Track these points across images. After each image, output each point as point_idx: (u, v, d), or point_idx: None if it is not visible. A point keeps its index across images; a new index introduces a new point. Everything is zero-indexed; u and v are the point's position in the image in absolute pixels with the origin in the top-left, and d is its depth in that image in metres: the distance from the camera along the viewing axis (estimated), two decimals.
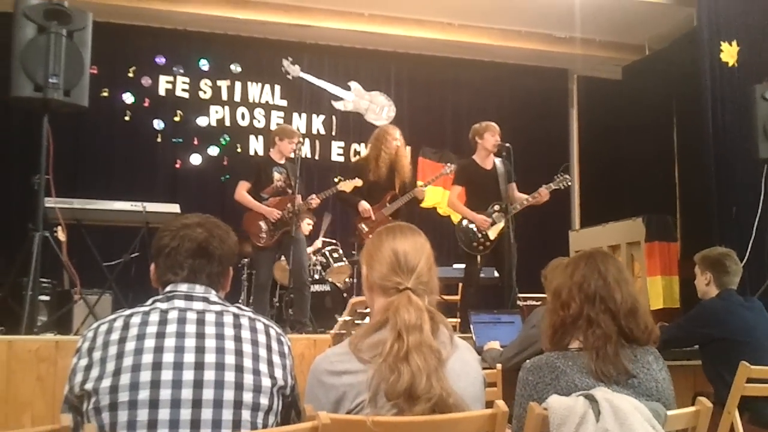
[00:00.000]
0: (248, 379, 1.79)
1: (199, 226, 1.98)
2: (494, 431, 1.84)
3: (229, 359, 1.79)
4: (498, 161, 5.84)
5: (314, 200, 5.98)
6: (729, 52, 6.97)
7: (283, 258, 6.25)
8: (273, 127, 8.68)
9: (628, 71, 9.07)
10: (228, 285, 2.05)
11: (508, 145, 5.74)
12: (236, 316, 1.90)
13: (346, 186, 5.98)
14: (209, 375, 1.75)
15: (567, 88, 9.97)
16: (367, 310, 2.21)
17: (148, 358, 1.73)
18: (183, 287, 1.92)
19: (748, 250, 6.04)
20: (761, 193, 6.11)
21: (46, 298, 5.35)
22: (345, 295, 6.95)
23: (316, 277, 7.00)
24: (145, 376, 1.71)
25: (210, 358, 1.77)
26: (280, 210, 5.86)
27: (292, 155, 5.97)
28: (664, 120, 8.02)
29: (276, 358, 1.89)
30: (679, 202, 7.64)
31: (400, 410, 1.75)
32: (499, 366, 3.35)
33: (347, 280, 7.32)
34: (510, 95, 9.30)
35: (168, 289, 1.93)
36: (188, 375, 1.73)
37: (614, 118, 9.01)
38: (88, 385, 1.72)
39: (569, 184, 6.02)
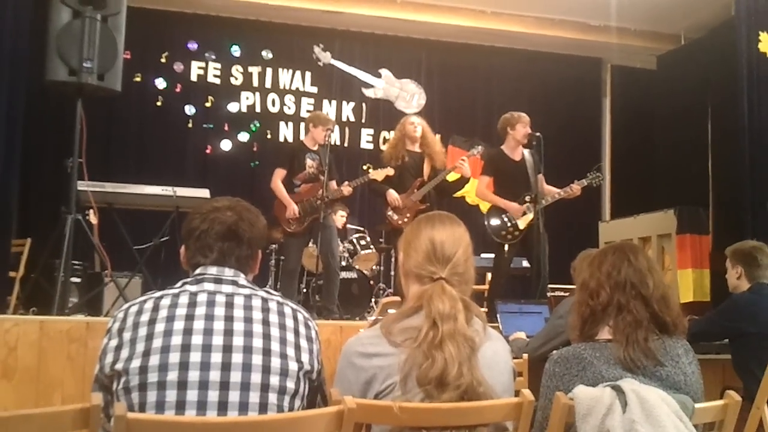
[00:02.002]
0: (275, 362, 1.81)
1: (229, 209, 1.99)
2: (520, 420, 1.84)
3: (257, 343, 1.81)
4: (527, 152, 5.79)
5: (346, 188, 5.98)
6: (767, 42, 6.85)
7: (311, 244, 6.26)
8: (303, 113, 8.72)
9: (663, 61, 8.94)
10: (257, 268, 2.07)
11: (538, 134, 5.68)
12: (265, 300, 1.91)
13: (378, 175, 5.97)
14: (237, 358, 1.77)
15: (600, 77, 9.85)
16: None
17: (177, 339, 1.76)
18: (212, 270, 1.94)
19: None
20: None
21: (78, 280, 5.44)
22: (372, 282, 6.98)
23: (343, 264, 7.03)
24: (174, 357, 1.73)
25: (238, 341, 1.79)
26: (311, 196, 5.86)
27: (323, 142, 5.97)
28: (699, 111, 7.90)
29: (303, 343, 1.90)
30: (712, 195, 7.53)
31: (428, 396, 1.76)
32: (525, 356, 3.34)
33: (374, 267, 7.34)
34: (542, 84, 9.20)
35: (198, 271, 1.95)
36: (216, 357, 1.75)
37: (648, 109, 8.90)
38: (119, 366, 1.75)
39: (601, 182, 5.96)
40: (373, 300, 6.79)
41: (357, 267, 6.99)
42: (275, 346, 1.83)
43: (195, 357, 1.75)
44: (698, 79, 7.96)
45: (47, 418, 1.55)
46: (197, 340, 1.77)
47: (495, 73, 9.31)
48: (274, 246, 7.17)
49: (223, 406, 1.72)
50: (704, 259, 6.77)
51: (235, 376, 1.75)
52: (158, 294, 1.87)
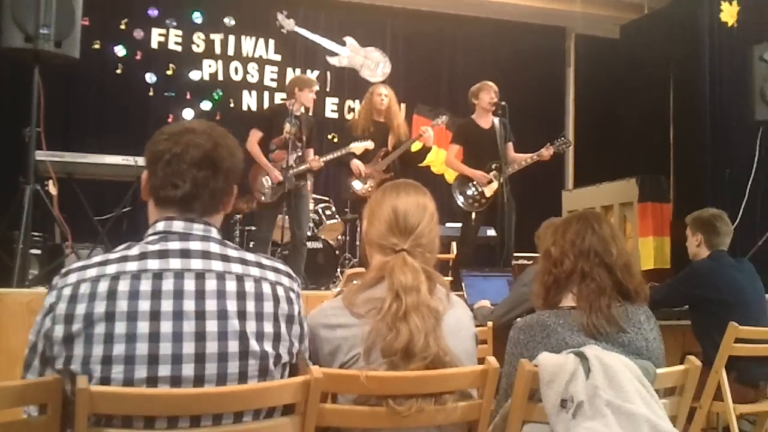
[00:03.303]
0: (253, 366, 1.62)
1: (204, 133, 1.70)
2: (485, 387, 1.86)
3: (233, 346, 1.59)
4: (497, 121, 5.82)
5: (316, 162, 5.87)
6: (729, 12, 6.91)
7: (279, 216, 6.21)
8: (267, 82, 8.66)
9: (626, 30, 8.97)
10: (230, 206, 1.79)
11: (503, 103, 5.71)
12: (240, 279, 1.65)
13: (358, 149, 5.91)
14: (211, 368, 1.57)
15: (564, 46, 9.88)
16: None
17: (142, 347, 1.52)
18: (179, 225, 1.67)
19: (740, 212, 6.06)
20: (755, 156, 6.11)
21: (38, 251, 5.35)
22: (337, 252, 6.97)
23: (309, 234, 7.00)
24: (141, 370, 1.52)
25: (212, 347, 1.57)
26: (284, 162, 5.77)
27: (311, 105, 5.88)
28: (661, 80, 7.97)
29: (283, 328, 1.69)
30: (673, 163, 7.63)
31: (394, 366, 1.78)
32: (490, 323, 3.37)
33: (340, 237, 7.33)
34: (508, 53, 9.18)
35: (161, 227, 1.67)
36: (188, 370, 1.55)
37: (611, 78, 8.94)
38: (74, 366, 1.52)
39: (568, 148, 6.02)
40: (338, 270, 6.79)
41: (322, 237, 6.97)
42: (254, 345, 1.62)
43: (164, 370, 1.53)
44: (661, 48, 8.01)
45: (7, 391, 1.52)
46: (166, 349, 1.54)
47: (460, 42, 9.28)
48: (238, 216, 7.12)
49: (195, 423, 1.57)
50: (665, 227, 6.87)
51: (209, 387, 1.57)
52: (113, 271, 1.57)
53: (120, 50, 8.18)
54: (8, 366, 3.57)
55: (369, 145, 5.90)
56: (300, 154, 5.84)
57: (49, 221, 5.35)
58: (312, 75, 8.80)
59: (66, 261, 5.30)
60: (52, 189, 5.17)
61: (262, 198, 5.81)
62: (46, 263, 5.38)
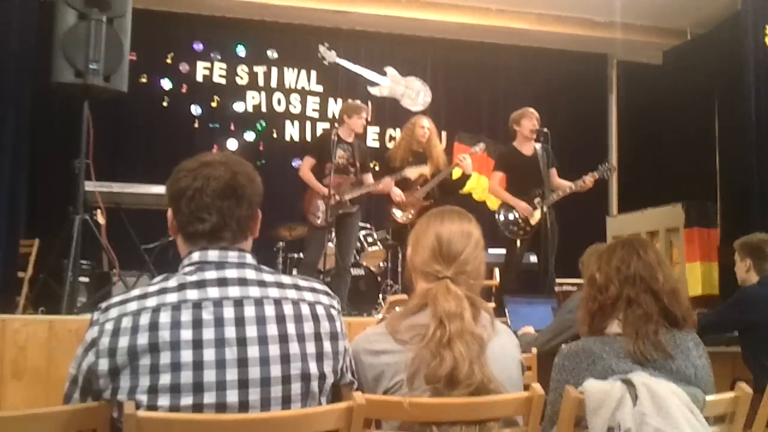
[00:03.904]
0: (296, 389, 1.63)
1: (221, 164, 1.73)
2: (530, 414, 1.84)
3: (275, 371, 1.61)
4: (539, 147, 5.81)
5: (387, 183, 5.91)
6: None
7: (330, 245, 6.24)
8: (309, 112, 8.75)
9: (670, 56, 8.90)
10: (257, 230, 1.81)
11: (545, 130, 5.71)
12: (278, 303, 1.67)
13: (412, 173, 5.93)
14: (254, 393, 1.58)
15: (606, 73, 9.83)
16: None
17: (187, 376, 1.54)
18: (213, 255, 1.69)
19: None
20: None
21: (86, 279, 5.45)
22: (379, 279, 6.98)
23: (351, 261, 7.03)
24: (186, 398, 1.54)
25: (254, 372, 1.58)
26: (341, 189, 5.81)
27: (361, 131, 5.96)
28: (706, 105, 7.88)
29: (327, 347, 1.70)
30: (720, 188, 7.51)
31: (437, 393, 1.77)
32: (534, 350, 3.34)
33: (381, 264, 7.34)
34: (548, 81, 9.18)
35: (196, 258, 1.69)
36: (232, 396, 1.56)
37: (654, 104, 8.87)
38: (120, 396, 1.55)
39: (612, 173, 5.99)
40: (380, 297, 6.79)
41: (364, 264, 6.99)
42: (295, 369, 1.63)
43: (209, 398, 1.55)
44: (705, 73, 7.93)
45: (57, 417, 1.55)
46: (210, 376, 1.55)
47: (500, 70, 9.29)
48: (281, 244, 7.18)
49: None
50: (713, 253, 6.76)
51: (254, 411, 1.58)
52: (153, 303, 1.60)
53: (166, 83, 8.37)
54: (57, 392, 3.62)
55: (424, 169, 5.93)
56: (353, 179, 5.87)
57: (97, 250, 5.44)
58: (368, 108, 8.88)
59: (113, 288, 5.40)
60: (101, 218, 5.27)
61: (318, 221, 5.82)
62: (94, 291, 5.48)
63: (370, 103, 8.97)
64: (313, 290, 1.76)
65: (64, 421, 1.56)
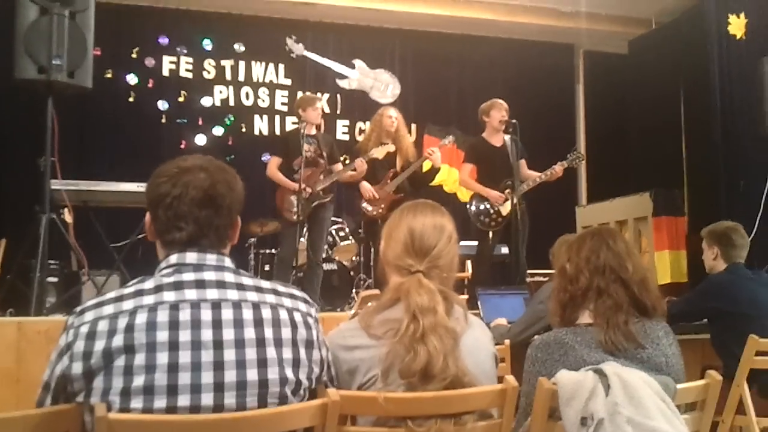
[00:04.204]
0: (272, 394, 1.62)
1: (201, 170, 1.71)
2: (504, 406, 1.84)
3: (251, 375, 1.59)
4: (508, 138, 5.83)
5: (360, 164, 5.88)
6: (737, 25, 6.91)
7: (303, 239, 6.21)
8: (278, 106, 8.69)
9: (635, 45, 8.98)
10: (236, 237, 1.80)
11: (514, 121, 5.74)
12: (256, 307, 1.66)
13: (379, 152, 5.89)
14: (230, 397, 1.56)
15: (573, 63, 9.88)
16: None
17: (161, 378, 1.52)
18: (192, 257, 1.67)
19: (756, 223, 6.03)
20: None
21: (54, 279, 5.37)
22: (352, 273, 6.97)
23: (323, 255, 7.01)
24: (160, 401, 1.52)
25: (230, 376, 1.57)
26: (312, 182, 5.80)
27: (320, 121, 5.93)
28: (672, 94, 7.97)
29: (303, 354, 1.69)
30: (687, 177, 7.60)
31: (412, 388, 1.77)
32: (507, 342, 3.36)
33: (354, 258, 7.33)
34: (515, 71, 9.21)
35: (174, 260, 1.68)
36: (207, 399, 1.55)
37: (621, 93, 8.95)
38: (93, 399, 1.53)
39: (581, 161, 6.03)
40: (353, 291, 6.79)
41: (336, 258, 6.98)
42: (272, 374, 1.62)
43: (183, 400, 1.53)
44: (670, 62, 8.02)
45: (27, 420, 1.53)
46: (185, 379, 1.54)
47: (468, 61, 9.30)
48: (252, 240, 7.14)
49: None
50: (681, 241, 6.84)
51: (229, 397, 1.57)
52: (130, 306, 1.58)
53: (132, 79, 8.25)
54: (27, 394, 3.57)
55: (390, 148, 5.91)
56: (324, 169, 5.87)
57: (65, 249, 5.36)
58: (322, 98, 8.85)
59: (83, 288, 5.33)
60: (68, 217, 5.20)
61: (293, 217, 5.79)
62: (63, 291, 5.41)
63: (339, 96, 8.95)
64: (291, 296, 1.75)
65: (35, 425, 1.54)
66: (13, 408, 3.41)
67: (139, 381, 1.52)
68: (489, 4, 8.57)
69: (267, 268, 7.03)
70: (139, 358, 1.53)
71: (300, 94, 8.67)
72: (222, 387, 1.56)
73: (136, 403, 1.51)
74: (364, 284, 7.04)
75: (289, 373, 1.65)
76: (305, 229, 6.07)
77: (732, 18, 6.96)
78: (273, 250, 6.95)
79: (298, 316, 1.72)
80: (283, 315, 1.69)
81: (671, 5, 8.30)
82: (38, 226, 4.36)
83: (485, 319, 4.22)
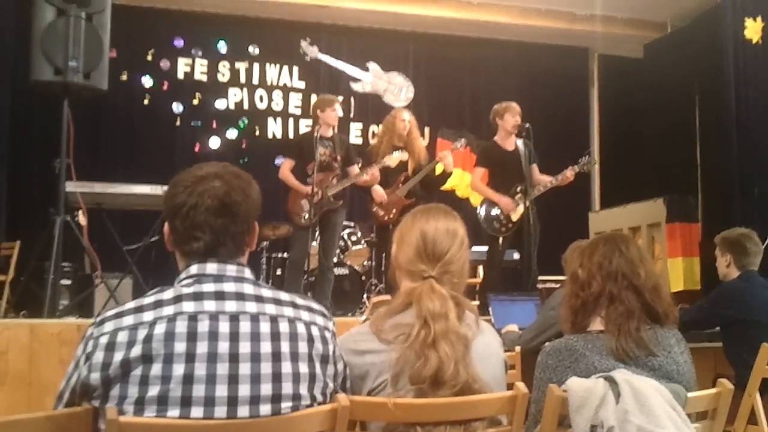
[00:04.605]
0: (285, 408, 1.61)
1: (217, 178, 1.71)
2: (514, 413, 1.84)
3: (266, 389, 1.59)
4: (520, 142, 5.80)
5: (372, 173, 5.83)
6: (753, 28, 6.86)
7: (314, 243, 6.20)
8: (291, 109, 8.73)
9: (650, 49, 8.95)
10: (254, 243, 1.79)
11: (527, 125, 5.70)
12: (273, 320, 1.65)
13: (392, 161, 5.86)
14: (243, 411, 1.56)
15: (587, 66, 9.86)
16: None
17: (176, 389, 1.52)
18: (212, 267, 1.68)
19: None
20: None
21: (68, 281, 5.40)
22: (363, 278, 6.96)
23: (334, 260, 7.01)
24: (173, 411, 1.52)
25: (244, 390, 1.57)
26: (325, 186, 5.76)
27: (336, 122, 5.86)
28: (686, 99, 7.93)
29: (318, 369, 1.68)
30: (701, 183, 7.57)
31: (422, 393, 1.76)
32: (518, 348, 3.34)
33: (365, 263, 7.32)
34: (530, 75, 9.20)
35: (194, 270, 1.68)
36: (220, 412, 1.54)
37: (635, 97, 8.91)
38: (109, 404, 1.53)
39: (593, 166, 5.98)
40: (364, 296, 6.78)
41: (348, 263, 6.97)
42: (286, 389, 1.62)
43: (197, 412, 1.53)
44: (685, 66, 7.98)
45: (38, 423, 1.54)
46: (199, 391, 1.53)
47: (482, 64, 9.29)
48: (265, 243, 7.15)
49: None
50: (694, 248, 6.79)
51: (243, 411, 1.57)
52: (150, 317, 1.58)
53: (147, 81, 8.31)
54: (38, 396, 3.61)
55: (403, 156, 5.88)
56: (338, 173, 5.84)
57: (79, 252, 5.40)
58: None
59: (96, 291, 5.36)
60: (82, 219, 5.24)
61: (303, 221, 5.77)
62: (76, 293, 5.44)
63: (353, 99, 8.96)
64: (309, 310, 1.74)
65: (46, 427, 1.54)
66: (25, 410, 3.44)
67: (153, 391, 1.52)
68: (503, 7, 8.56)
69: (279, 272, 7.04)
70: (156, 369, 1.53)
71: (314, 96, 8.69)
72: (236, 401, 1.56)
73: (150, 412, 1.51)
74: (376, 289, 7.04)
75: (303, 388, 1.64)
76: (317, 233, 6.05)
77: (748, 22, 6.91)
78: (285, 254, 6.94)
79: (315, 330, 1.71)
80: (301, 329, 1.68)
81: (687, 9, 8.26)
82: (52, 228, 4.39)
83: (496, 325, 4.21)
